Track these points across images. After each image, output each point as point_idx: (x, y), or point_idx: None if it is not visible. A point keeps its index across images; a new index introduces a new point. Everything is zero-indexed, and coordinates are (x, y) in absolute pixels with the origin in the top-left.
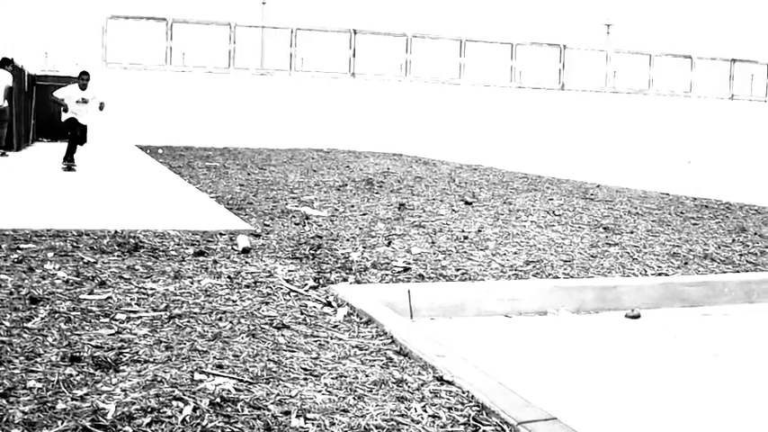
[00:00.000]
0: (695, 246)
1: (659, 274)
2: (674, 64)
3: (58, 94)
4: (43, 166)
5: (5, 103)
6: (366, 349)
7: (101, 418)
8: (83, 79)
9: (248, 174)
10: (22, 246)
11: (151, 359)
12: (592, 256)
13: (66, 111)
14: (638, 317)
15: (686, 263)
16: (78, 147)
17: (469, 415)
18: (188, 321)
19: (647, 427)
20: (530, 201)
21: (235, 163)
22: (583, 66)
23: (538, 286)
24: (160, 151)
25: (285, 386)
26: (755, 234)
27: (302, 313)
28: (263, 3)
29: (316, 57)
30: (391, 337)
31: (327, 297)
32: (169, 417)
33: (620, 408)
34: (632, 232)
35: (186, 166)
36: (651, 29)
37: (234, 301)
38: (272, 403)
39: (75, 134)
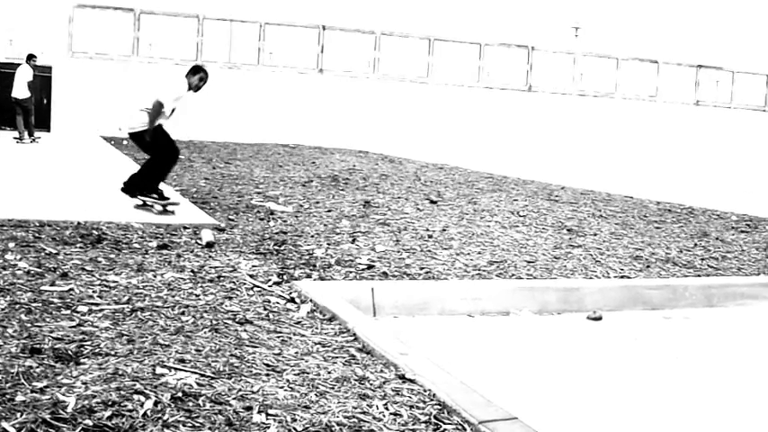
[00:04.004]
0: (658, 249)
1: (622, 277)
2: (641, 68)
3: (169, 99)
4: (3, 155)
5: (29, 94)
6: (329, 346)
7: (61, 411)
8: (202, 80)
9: (213, 168)
10: None
11: (113, 352)
12: (555, 258)
13: (153, 119)
14: (599, 319)
15: (648, 266)
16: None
17: (431, 413)
18: (150, 315)
19: (606, 427)
20: (495, 201)
21: (200, 156)
22: (550, 67)
23: (501, 286)
24: (125, 143)
25: (247, 381)
26: (717, 239)
27: (265, 309)
28: None
29: (284, 51)
30: (354, 334)
31: (291, 293)
32: (130, 410)
33: (580, 408)
34: (596, 234)
35: None
36: (619, 33)
37: (197, 296)
38: (233, 398)
39: (175, 150)
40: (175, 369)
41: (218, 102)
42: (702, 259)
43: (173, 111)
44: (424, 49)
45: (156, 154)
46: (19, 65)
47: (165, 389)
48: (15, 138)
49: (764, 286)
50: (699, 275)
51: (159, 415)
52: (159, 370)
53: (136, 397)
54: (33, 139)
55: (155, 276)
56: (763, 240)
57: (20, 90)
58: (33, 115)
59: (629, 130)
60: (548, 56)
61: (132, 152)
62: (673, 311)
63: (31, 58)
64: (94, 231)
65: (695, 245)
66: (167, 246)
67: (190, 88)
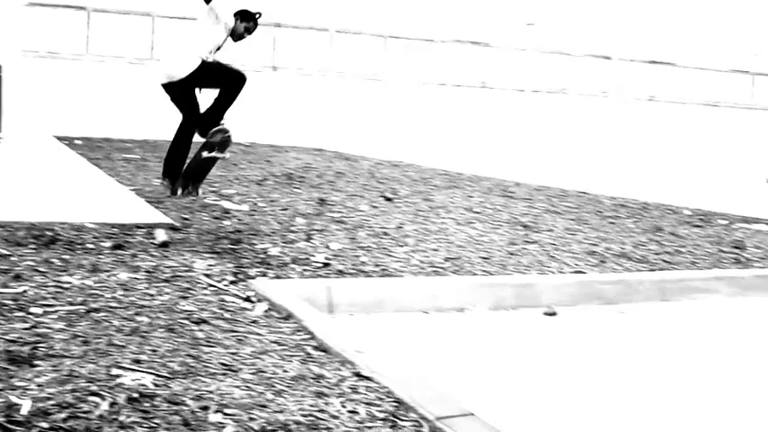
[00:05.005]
0: (612, 244)
1: (577, 272)
2: (594, 64)
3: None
4: None
5: None
6: (285, 345)
7: (15, 414)
8: (248, 31)
9: None
10: None
11: (67, 354)
12: (510, 254)
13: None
14: (555, 314)
15: (603, 261)
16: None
17: (388, 410)
18: (105, 316)
19: (560, 422)
20: (450, 198)
21: (154, 155)
22: (505, 64)
23: (456, 283)
24: (79, 142)
25: (203, 381)
26: (671, 234)
27: (221, 308)
28: None
29: (238, 49)
30: (310, 332)
31: (246, 292)
32: (86, 412)
33: (535, 403)
34: (551, 230)
35: (105, 158)
36: (572, 29)
37: (152, 296)
38: (190, 398)
39: (229, 91)
40: (131, 370)
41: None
42: (656, 254)
43: (218, 48)
44: (378, 46)
45: (223, 84)
46: None
47: (120, 390)
48: None
49: (718, 280)
50: (653, 270)
51: (115, 416)
52: (115, 371)
53: (91, 398)
54: None
55: (109, 277)
56: (716, 234)
57: None
58: None
59: (582, 126)
60: (502, 52)
61: (86, 152)
62: (627, 306)
63: None
64: (48, 232)
65: (649, 240)
66: (122, 246)
67: (231, 34)
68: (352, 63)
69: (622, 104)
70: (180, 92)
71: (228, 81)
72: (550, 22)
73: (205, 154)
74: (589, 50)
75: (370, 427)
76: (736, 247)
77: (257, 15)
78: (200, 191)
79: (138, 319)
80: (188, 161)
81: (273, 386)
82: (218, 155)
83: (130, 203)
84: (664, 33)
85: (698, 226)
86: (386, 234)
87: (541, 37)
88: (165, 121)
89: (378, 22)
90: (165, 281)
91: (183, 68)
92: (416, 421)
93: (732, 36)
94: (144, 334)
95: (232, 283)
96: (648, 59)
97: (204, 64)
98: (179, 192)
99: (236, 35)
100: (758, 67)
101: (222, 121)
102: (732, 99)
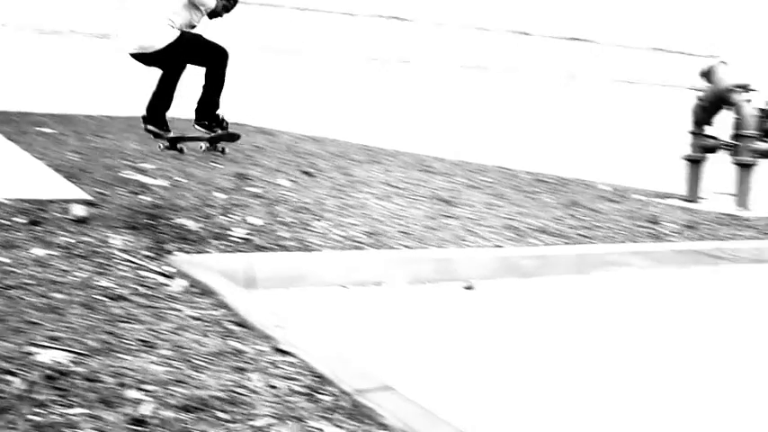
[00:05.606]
0: (530, 219)
1: (495, 247)
2: (514, 40)
3: None
4: None
5: None
6: (205, 320)
7: None
8: (226, 9)
9: (85, 141)
10: None
11: None
12: (429, 228)
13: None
14: (473, 288)
15: (522, 235)
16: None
17: (308, 385)
18: (20, 293)
19: (478, 394)
20: (370, 172)
21: (72, 130)
22: (428, 40)
23: (375, 257)
24: None
25: (121, 358)
26: (588, 208)
27: (139, 284)
28: None
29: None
30: (230, 307)
31: (165, 268)
32: (1, 391)
33: (454, 376)
34: (470, 205)
35: (20, 133)
36: (493, 4)
37: (68, 272)
38: (107, 375)
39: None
40: (47, 347)
41: (88, 72)
42: (574, 228)
43: (192, 27)
44: (296, 19)
45: (205, 62)
46: None
47: (36, 368)
48: None
49: (632, 254)
50: (570, 244)
51: (31, 394)
52: (31, 349)
53: (6, 377)
54: None
55: (24, 253)
56: (632, 209)
57: None
58: None
59: (502, 102)
60: (424, 28)
61: (3, 128)
62: (546, 279)
63: None
64: None
65: (567, 214)
66: (37, 222)
67: (210, 11)
68: (272, 36)
69: (542, 81)
70: (154, 60)
71: (209, 59)
72: None
73: (204, 146)
74: (509, 26)
75: (290, 401)
76: (651, 222)
77: None
78: (185, 149)
79: (55, 296)
80: (182, 134)
81: (193, 362)
82: (217, 150)
83: (46, 178)
84: (584, 10)
85: (615, 201)
86: (306, 209)
87: (465, 12)
88: (82, 95)
89: None
90: (82, 257)
91: (158, 39)
92: (336, 395)
93: (653, 14)
94: (60, 311)
95: (150, 258)
96: (569, 36)
97: (183, 36)
98: (164, 143)
99: (212, 13)
100: (674, 45)
101: (218, 111)
102: (649, 77)
